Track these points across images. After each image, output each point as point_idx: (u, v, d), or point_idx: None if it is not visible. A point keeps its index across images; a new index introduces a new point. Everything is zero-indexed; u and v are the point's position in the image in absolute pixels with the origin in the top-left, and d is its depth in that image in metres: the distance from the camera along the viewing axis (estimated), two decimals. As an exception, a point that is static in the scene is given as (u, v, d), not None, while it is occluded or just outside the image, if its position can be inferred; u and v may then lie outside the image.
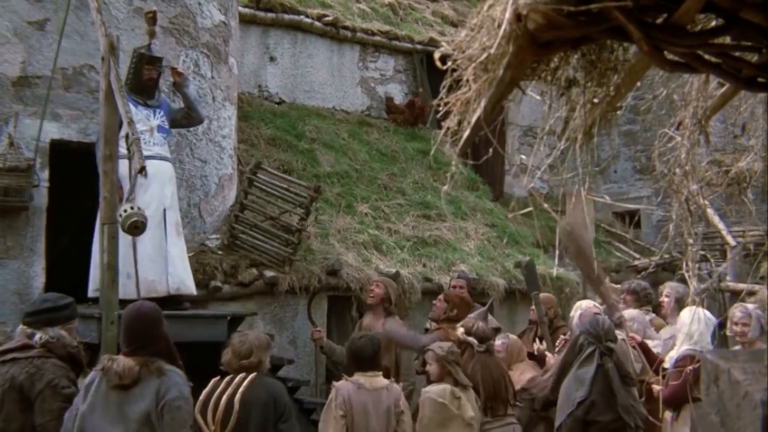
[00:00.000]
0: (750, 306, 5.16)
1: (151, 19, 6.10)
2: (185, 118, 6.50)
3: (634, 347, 5.32)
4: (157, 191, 6.07)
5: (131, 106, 5.95)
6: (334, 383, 4.87)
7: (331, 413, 4.63)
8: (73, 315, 4.16)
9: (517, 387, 5.23)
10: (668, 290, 6.09)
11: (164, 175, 6.19)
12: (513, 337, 5.93)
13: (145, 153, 5.95)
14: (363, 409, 4.65)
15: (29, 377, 3.85)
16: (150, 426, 3.62)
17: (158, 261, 6.00)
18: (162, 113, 6.27)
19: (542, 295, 6.48)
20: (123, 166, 5.74)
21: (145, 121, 6.11)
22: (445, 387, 4.81)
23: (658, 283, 7.08)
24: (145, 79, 6.19)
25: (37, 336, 3.93)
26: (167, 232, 6.10)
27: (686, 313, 5.20)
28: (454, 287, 6.71)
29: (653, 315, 6.32)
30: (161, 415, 3.60)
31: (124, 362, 3.65)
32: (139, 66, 6.15)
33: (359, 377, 4.75)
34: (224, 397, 4.07)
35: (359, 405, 4.64)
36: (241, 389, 4.07)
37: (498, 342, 5.57)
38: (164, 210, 6.11)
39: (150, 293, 5.76)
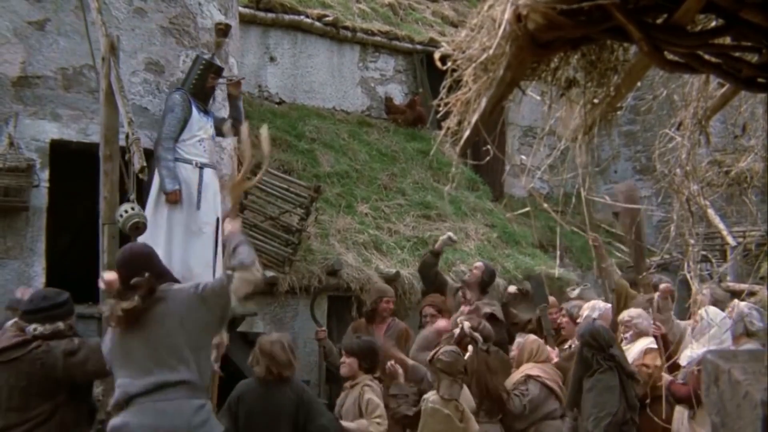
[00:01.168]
0: (742, 303, 5.15)
1: (222, 31, 6.11)
2: (230, 130, 6.49)
3: (655, 336, 5.35)
4: (212, 200, 6.07)
5: (194, 112, 6.00)
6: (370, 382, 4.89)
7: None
8: (71, 310, 4.16)
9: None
10: (705, 291, 6.01)
11: (216, 184, 6.19)
12: (531, 337, 5.78)
13: (202, 160, 6.03)
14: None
15: (44, 366, 3.88)
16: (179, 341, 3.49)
17: (208, 269, 5.98)
18: (212, 121, 6.29)
19: (549, 299, 6.49)
20: (184, 170, 5.86)
21: (206, 128, 6.13)
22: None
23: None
24: (207, 87, 6.23)
25: (31, 327, 3.96)
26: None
27: (706, 314, 5.21)
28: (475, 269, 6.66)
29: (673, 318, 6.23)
30: (196, 309, 3.56)
31: (119, 303, 3.43)
32: (206, 74, 6.17)
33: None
34: None
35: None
36: None
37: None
38: (218, 219, 6.05)
39: None
